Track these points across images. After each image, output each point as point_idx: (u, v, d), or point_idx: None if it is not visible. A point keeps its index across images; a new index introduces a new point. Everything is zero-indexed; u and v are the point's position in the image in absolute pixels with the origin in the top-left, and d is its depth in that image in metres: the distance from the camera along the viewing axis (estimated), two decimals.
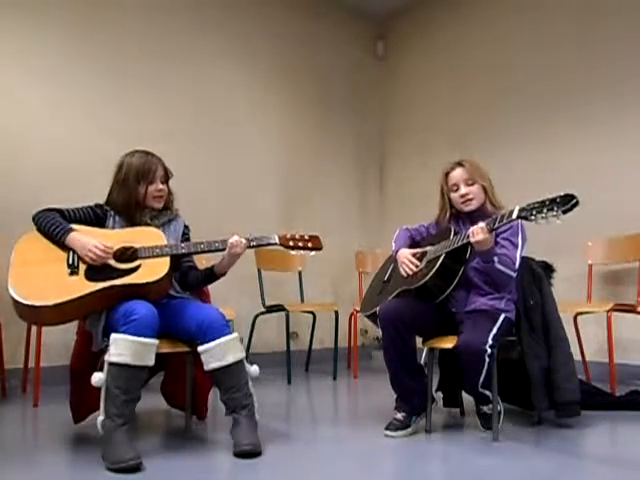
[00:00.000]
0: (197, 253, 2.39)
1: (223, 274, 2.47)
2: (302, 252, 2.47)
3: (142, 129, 3.96)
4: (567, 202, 2.03)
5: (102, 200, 2.45)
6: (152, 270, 2.20)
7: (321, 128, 5.09)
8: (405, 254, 2.56)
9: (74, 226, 2.30)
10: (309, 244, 2.46)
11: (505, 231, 2.44)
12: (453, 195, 2.56)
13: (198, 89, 4.38)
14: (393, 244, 2.69)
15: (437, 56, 5.09)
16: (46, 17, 3.76)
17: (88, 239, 2.22)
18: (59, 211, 2.32)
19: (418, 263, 2.51)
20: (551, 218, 2.06)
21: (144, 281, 2.17)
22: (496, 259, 2.31)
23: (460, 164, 2.56)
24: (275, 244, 2.43)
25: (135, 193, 2.37)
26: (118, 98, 4.00)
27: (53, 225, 2.25)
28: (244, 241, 2.37)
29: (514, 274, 2.37)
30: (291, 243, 2.44)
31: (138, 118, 4.04)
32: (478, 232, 2.26)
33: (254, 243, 2.40)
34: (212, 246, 2.35)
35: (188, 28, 4.37)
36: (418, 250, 2.58)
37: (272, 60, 4.82)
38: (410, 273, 2.49)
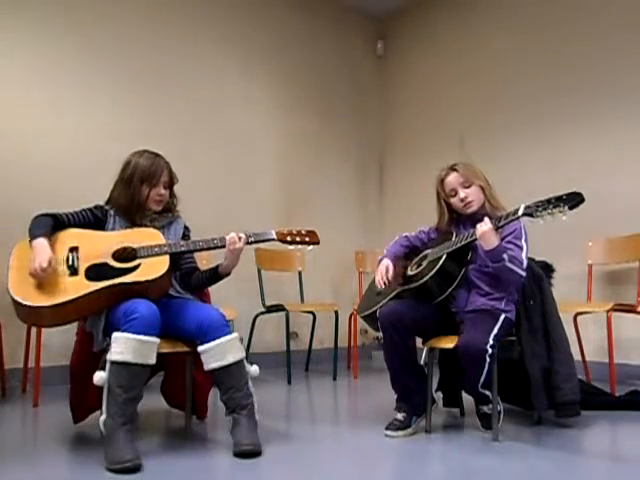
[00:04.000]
0: (196, 251, 2.39)
1: (227, 274, 2.47)
2: (300, 247, 2.48)
3: (142, 129, 3.96)
4: (573, 199, 2.04)
5: (102, 201, 2.45)
6: (152, 268, 2.21)
7: (321, 128, 5.08)
8: (385, 264, 2.59)
9: (72, 230, 2.30)
10: (306, 238, 2.48)
11: (509, 234, 2.43)
12: (453, 200, 2.54)
13: (198, 88, 4.38)
14: (385, 250, 2.70)
15: (437, 56, 5.09)
16: (45, 16, 3.75)
17: (43, 253, 2.14)
18: (54, 216, 2.31)
19: (389, 279, 2.53)
20: (557, 214, 2.07)
21: (144, 279, 2.17)
22: (506, 257, 2.30)
23: (453, 169, 2.54)
24: (273, 239, 2.43)
25: (138, 194, 2.37)
26: (118, 98, 3.99)
27: (34, 229, 2.23)
28: (243, 236, 2.37)
29: (524, 273, 2.36)
30: (289, 238, 2.45)
31: (138, 118, 4.04)
32: (482, 225, 2.28)
33: (252, 239, 2.40)
34: (211, 243, 2.35)
35: (189, 27, 4.37)
36: (399, 266, 2.61)
37: (272, 59, 4.82)
38: (380, 285, 2.53)
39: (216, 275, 2.47)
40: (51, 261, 2.14)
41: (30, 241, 2.20)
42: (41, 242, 2.18)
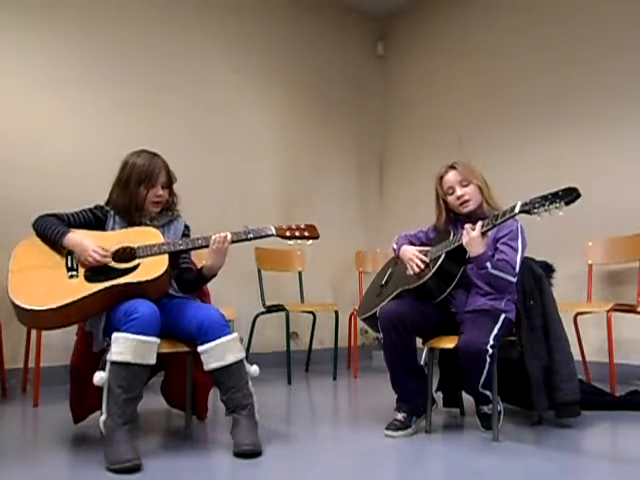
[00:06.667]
0: (195, 249, 2.38)
1: (213, 275, 2.45)
2: (299, 242, 2.47)
3: (142, 130, 3.96)
4: (569, 194, 2.05)
5: (102, 202, 2.45)
6: (151, 268, 2.21)
7: (321, 128, 5.08)
8: (412, 251, 2.54)
9: (73, 230, 2.30)
10: (305, 233, 2.47)
11: (504, 235, 2.43)
12: (450, 198, 2.54)
13: (198, 87, 4.38)
14: (394, 245, 2.69)
15: (437, 56, 5.09)
16: (46, 17, 3.75)
17: (88, 242, 2.22)
18: (58, 216, 2.32)
19: (425, 259, 2.50)
20: (553, 210, 2.08)
21: (143, 279, 2.17)
22: (489, 265, 2.30)
23: (453, 167, 2.55)
24: (272, 235, 2.43)
25: (135, 195, 2.36)
26: (119, 99, 3.98)
27: (50, 228, 2.25)
28: (229, 236, 2.36)
29: (514, 279, 2.36)
30: (288, 233, 2.45)
31: (138, 118, 4.03)
32: (468, 232, 2.29)
33: (251, 235, 2.39)
34: (208, 241, 2.35)
35: (189, 27, 4.36)
36: (424, 248, 2.58)
37: (273, 59, 4.82)
38: (417, 271, 2.46)
39: (201, 277, 2.45)
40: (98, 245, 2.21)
41: (56, 240, 2.23)
42: (73, 237, 2.23)
